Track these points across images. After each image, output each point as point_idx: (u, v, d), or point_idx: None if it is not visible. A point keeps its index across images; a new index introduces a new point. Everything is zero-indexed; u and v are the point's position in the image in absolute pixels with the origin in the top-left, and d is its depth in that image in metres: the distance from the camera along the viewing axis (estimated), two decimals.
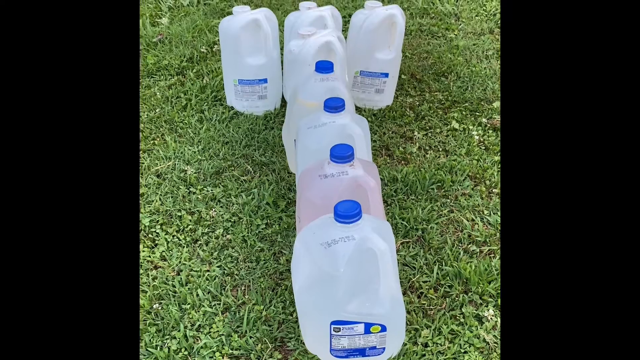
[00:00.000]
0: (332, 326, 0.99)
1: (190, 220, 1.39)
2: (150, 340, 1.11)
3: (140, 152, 1.64)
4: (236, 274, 1.25)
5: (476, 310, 1.16)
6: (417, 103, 1.87)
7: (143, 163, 1.59)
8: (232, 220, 1.39)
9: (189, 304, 1.18)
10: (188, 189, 1.49)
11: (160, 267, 1.27)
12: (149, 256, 1.29)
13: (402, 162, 1.60)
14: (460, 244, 1.32)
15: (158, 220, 1.39)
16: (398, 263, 1.08)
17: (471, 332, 1.11)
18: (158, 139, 1.70)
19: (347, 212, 0.93)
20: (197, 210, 1.42)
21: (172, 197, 1.46)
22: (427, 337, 1.10)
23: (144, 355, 1.08)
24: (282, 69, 1.82)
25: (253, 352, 1.08)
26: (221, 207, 1.43)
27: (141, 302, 1.18)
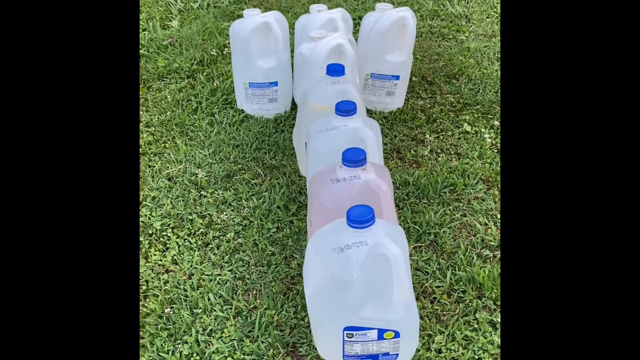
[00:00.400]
0: (345, 332, 0.98)
1: (201, 224, 1.39)
2: (162, 345, 1.10)
3: (152, 155, 1.64)
4: (247, 278, 1.25)
5: (490, 316, 1.14)
6: (428, 105, 1.86)
7: (154, 166, 1.59)
8: (243, 224, 1.39)
9: (200, 308, 1.17)
10: (199, 193, 1.49)
11: (171, 270, 1.27)
12: (160, 260, 1.29)
13: (414, 165, 1.59)
14: (473, 249, 1.31)
15: (169, 224, 1.39)
16: (411, 268, 1.07)
17: (485, 338, 1.10)
18: (169, 142, 1.70)
19: (360, 217, 0.92)
20: (208, 214, 1.42)
21: (183, 200, 1.46)
22: (440, 343, 1.09)
23: None
24: (293, 71, 1.81)
25: (265, 357, 1.08)
26: (232, 210, 1.43)
27: (153, 306, 1.18)
